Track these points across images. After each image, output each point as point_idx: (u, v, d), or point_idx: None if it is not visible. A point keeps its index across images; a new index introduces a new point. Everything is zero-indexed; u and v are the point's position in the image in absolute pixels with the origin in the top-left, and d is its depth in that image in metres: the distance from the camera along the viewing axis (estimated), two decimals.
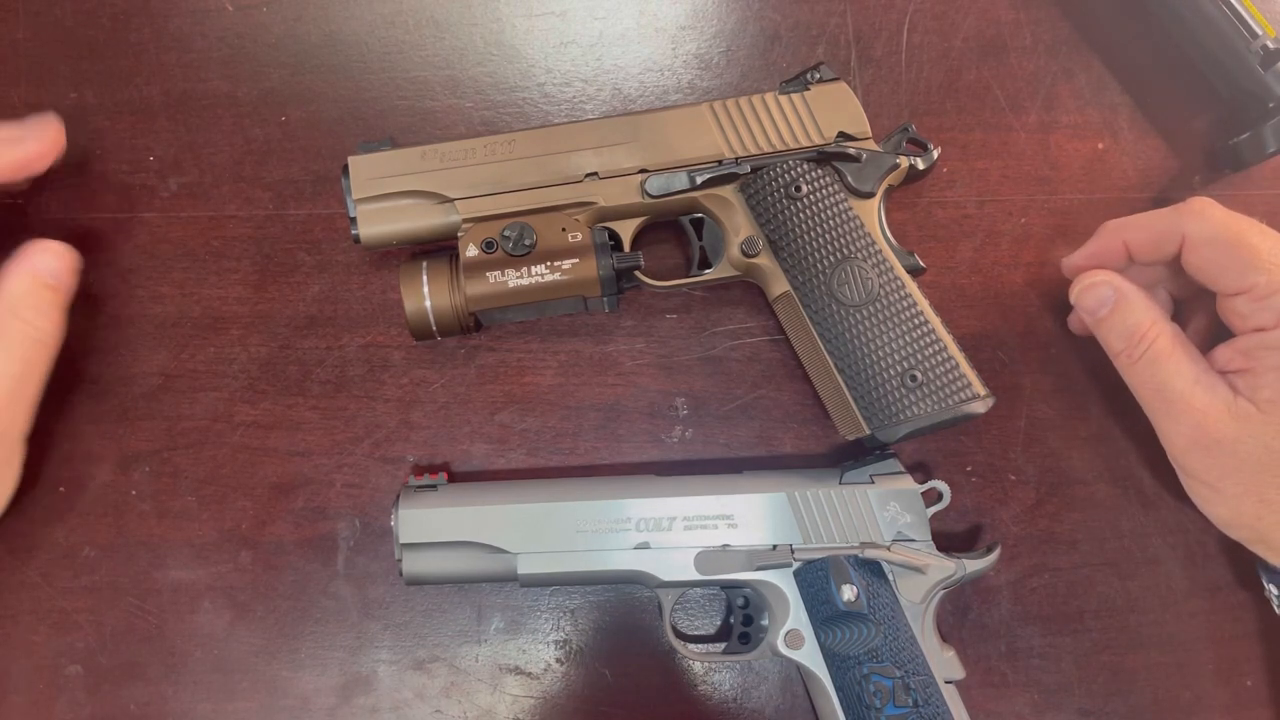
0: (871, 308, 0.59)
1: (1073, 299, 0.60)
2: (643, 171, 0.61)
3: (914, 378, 0.58)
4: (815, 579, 0.59)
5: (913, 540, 0.60)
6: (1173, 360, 0.56)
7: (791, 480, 0.62)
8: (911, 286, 0.59)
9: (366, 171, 0.61)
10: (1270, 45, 0.61)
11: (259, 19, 0.69)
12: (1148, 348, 0.57)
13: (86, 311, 0.67)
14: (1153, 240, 0.58)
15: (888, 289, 0.59)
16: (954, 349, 0.58)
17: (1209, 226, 0.56)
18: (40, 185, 0.68)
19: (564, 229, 0.60)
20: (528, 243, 0.60)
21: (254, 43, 0.69)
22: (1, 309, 0.60)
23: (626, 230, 0.62)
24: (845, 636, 0.58)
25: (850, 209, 0.60)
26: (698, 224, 0.65)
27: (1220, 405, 0.55)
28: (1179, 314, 0.62)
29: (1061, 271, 0.62)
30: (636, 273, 0.62)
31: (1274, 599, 0.61)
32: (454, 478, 0.66)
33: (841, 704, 0.58)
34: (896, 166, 0.61)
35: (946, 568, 0.59)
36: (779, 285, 0.61)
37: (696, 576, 0.60)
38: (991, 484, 0.66)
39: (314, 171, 0.68)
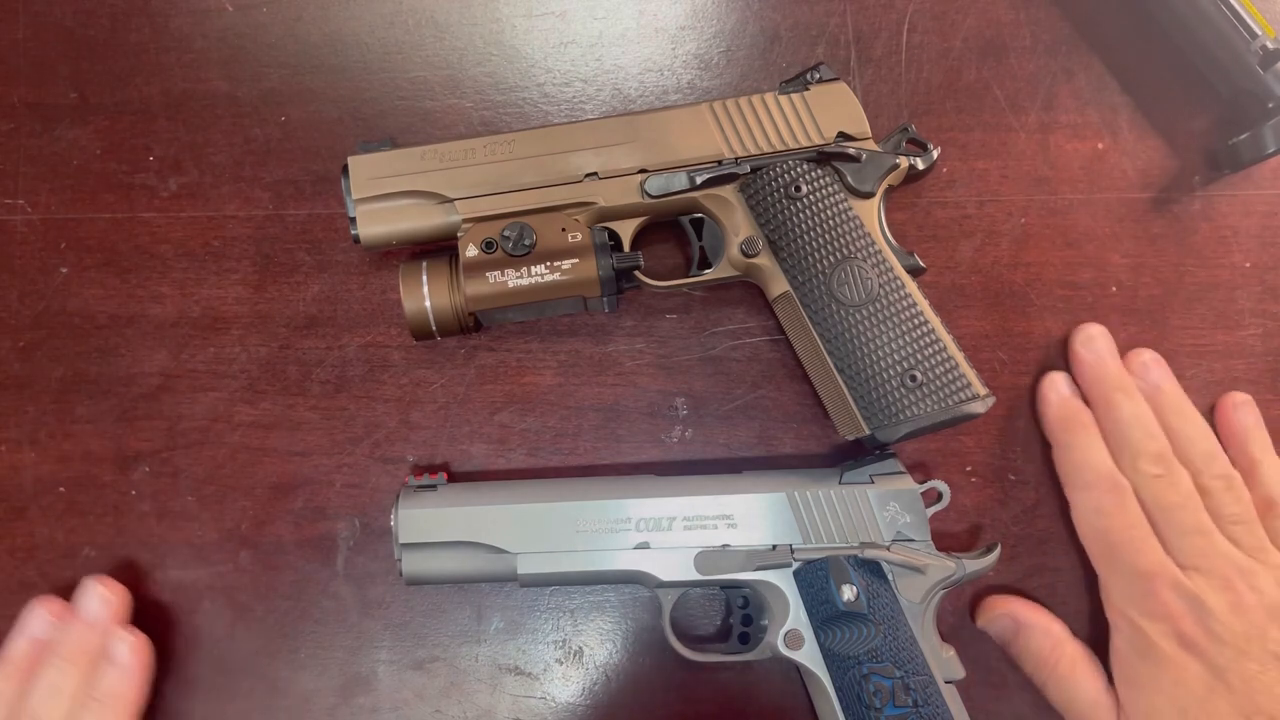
0: (871, 308, 0.59)
1: (980, 625, 0.64)
2: (642, 171, 0.61)
3: (914, 378, 0.58)
4: (815, 579, 0.59)
5: (912, 540, 0.60)
6: (1072, 680, 0.61)
7: (791, 480, 0.62)
8: (911, 286, 0.59)
9: (366, 171, 0.61)
10: (1270, 45, 0.61)
11: (259, 19, 0.69)
12: (1051, 670, 0.61)
13: (86, 311, 0.67)
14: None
15: (887, 289, 0.59)
16: (954, 349, 0.58)
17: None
18: (36, 188, 0.68)
19: (564, 229, 0.60)
20: (527, 243, 0.60)
21: (254, 43, 0.69)
22: None
23: (626, 230, 0.62)
24: (845, 636, 0.58)
25: (850, 209, 0.60)
26: (698, 224, 0.65)
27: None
28: None
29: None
30: (636, 273, 0.62)
31: None
32: (454, 478, 0.66)
33: (841, 704, 0.58)
34: (896, 166, 0.61)
35: (946, 568, 0.59)
36: (779, 285, 0.61)
37: (696, 576, 0.60)
38: (991, 484, 0.66)
39: (314, 171, 0.68)
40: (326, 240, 0.67)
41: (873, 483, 0.61)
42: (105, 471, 0.66)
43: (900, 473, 0.61)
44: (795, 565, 0.60)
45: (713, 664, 0.65)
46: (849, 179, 0.60)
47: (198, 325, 0.67)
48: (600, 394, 0.67)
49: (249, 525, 0.66)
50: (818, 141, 0.61)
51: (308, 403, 0.67)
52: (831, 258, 0.59)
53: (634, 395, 0.67)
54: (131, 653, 0.62)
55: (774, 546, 0.60)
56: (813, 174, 0.60)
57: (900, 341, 0.58)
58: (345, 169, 0.61)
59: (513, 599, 0.66)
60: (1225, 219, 0.67)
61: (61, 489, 0.66)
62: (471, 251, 0.60)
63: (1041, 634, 0.62)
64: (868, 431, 0.58)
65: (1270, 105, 0.62)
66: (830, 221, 0.60)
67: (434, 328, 0.61)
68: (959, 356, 0.58)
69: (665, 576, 0.60)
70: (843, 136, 0.61)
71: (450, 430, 0.67)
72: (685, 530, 0.60)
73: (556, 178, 0.61)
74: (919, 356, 0.58)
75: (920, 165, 0.62)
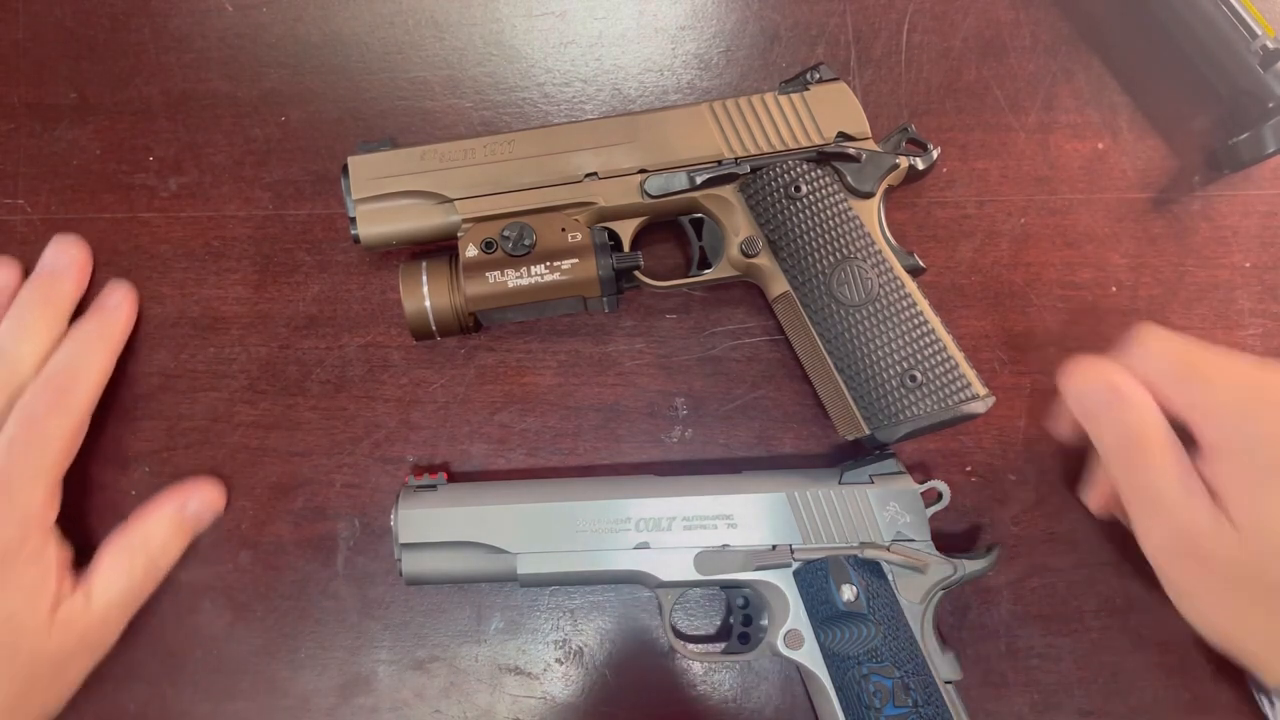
0: (871, 308, 0.59)
1: (1065, 390, 0.58)
2: (642, 171, 0.61)
3: (914, 378, 0.58)
4: (815, 579, 0.59)
5: (912, 540, 0.60)
6: (1163, 462, 0.54)
7: (791, 480, 0.62)
8: (911, 286, 0.59)
9: (366, 171, 0.61)
10: (1270, 45, 0.61)
11: (259, 19, 0.69)
12: (1141, 449, 0.55)
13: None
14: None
15: (887, 289, 0.59)
16: (954, 349, 0.58)
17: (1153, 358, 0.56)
18: (36, 188, 0.68)
19: (563, 229, 0.60)
20: (527, 243, 0.60)
21: (254, 43, 0.69)
22: (135, 540, 0.62)
23: (626, 230, 0.62)
24: (845, 636, 0.58)
25: (850, 209, 0.60)
26: (697, 224, 0.65)
27: (1202, 515, 0.53)
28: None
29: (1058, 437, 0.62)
30: (636, 273, 0.62)
31: (1270, 713, 0.58)
32: (454, 478, 0.66)
33: (841, 704, 0.58)
34: (896, 166, 0.61)
35: (946, 568, 0.59)
36: (779, 285, 0.61)
37: (696, 576, 0.60)
38: (991, 484, 0.66)
39: (314, 171, 0.68)
40: (326, 240, 0.67)
41: (873, 483, 0.61)
42: (105, 471, 0.66)
43: (900, 473, 0.61)
44: (795, 565, 0.60)
45: (713, 664, 0.65)
46: (849, 179, 0.60)
47: (198, 325, 0.67)
48: (600, 394, 0.67)
49: (249, 525, 0.66)
50: (817, 141, 0.61)
51: (308, 403, 0.67)
52: (831, 258, 0.59)
53: (634, 395, 0.67)
54: (124, 298, 0.63)
55: (774, 546, 0.60)
56: (813, 174, 0.60)
57: (900, 341, 0.58)
58: (345, 169, 0.61)
59: (513, 599, 0.66)
60: (1225, 219, 0.67)
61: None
62: (471, 251, 0.60)
63: (1141, 406, 0.55)
64: (867, 431, 0.58)
65: (1270, 105, 0.62)
66: (830, 221, 0.60)
67: (434, 328, 0.61)
68: (959, 356, 0.58)
69: (665, 576, 0.60)
70: (843, 136, 0.61)
71: (450, 430, 0.67)
72: (685, 530, 0.60)
73: (556, 178, 0.61)
74: (919, 356, 0.58)
75: (920, 165, 0.62)
